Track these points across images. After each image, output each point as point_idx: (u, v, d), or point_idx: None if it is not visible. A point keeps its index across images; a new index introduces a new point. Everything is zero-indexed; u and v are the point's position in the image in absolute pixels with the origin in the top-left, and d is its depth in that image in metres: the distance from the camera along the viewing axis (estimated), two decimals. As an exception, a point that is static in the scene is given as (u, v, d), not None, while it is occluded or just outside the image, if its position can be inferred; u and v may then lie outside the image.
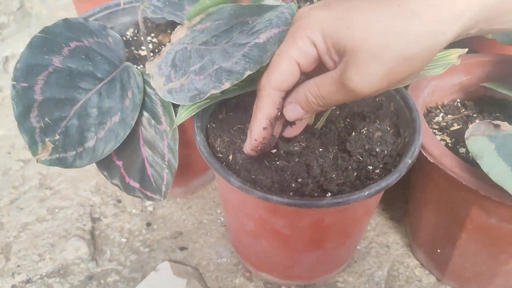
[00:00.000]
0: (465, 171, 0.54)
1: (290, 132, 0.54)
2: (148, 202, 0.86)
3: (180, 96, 0.49)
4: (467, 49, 0.57)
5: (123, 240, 0.80)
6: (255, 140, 0.48)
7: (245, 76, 0.45)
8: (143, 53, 0.78)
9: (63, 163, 0.50)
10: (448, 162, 0.55)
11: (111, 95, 0.56)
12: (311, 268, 0.66)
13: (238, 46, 0.47)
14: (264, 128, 0.47)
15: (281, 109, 0.47)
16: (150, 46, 0.79)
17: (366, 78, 0.38)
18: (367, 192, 0.50)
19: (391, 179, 0.51)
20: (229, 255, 0.76)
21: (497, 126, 0.56)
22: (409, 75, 0.39)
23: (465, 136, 0.54)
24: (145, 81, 0.61)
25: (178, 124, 0.55)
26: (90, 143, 0.53)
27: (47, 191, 0.89)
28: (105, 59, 0.57)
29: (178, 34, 0.58)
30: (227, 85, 0.45)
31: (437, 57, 0.56)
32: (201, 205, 0.85)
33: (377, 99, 0.66)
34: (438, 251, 0.69)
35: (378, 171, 0.55)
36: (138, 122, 0.60)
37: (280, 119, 0.51)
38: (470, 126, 0.55)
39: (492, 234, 0.59)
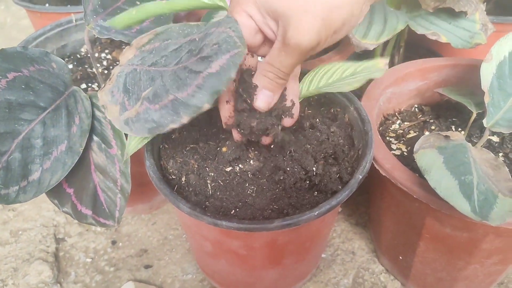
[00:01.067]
0: (416, 185, 0.54)
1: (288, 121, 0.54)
2: (113, 219, 0.85)
3: (137, 128, 0.48)
4: (388, 58, 0.60)
5: (88, 260, 0.79)
6: (223, 115, 0.51)
7: (204, 109, 0.44)
8: (99, 69, 0.76)
9: (4, 199, 0.49)
10: (399, 175, 0.55)
11: (57, 123, 0.55)
12: (274, 283, 0.66)
13: (191, 73, 0.46)
14: (227, 102, 0.50)
15: (237, 82, 0.49)
16: (105, 63, 0.77)
17: (303, 32, 0.41)
18: (317, 212, 0.50)
19: (341, 196, 0.51)
20: (195, 271, 0.76)
21: (447, 137, 0.57)
22: (343, 25, 0.42)
23: (414, 149, 0.54)
24: (94, 105, 0.59)
25: (129, 155, 0.54)
26: (35, 176, 0.52)
27: (9, 213, 0.87)
28: (48, 87, 0.56)
29: (127, 55, 0.57)
30: (185, 119, 0.45)
31: (370, 65, 0.58)
32: (166, 221, 0.84)
33: (332, 110, 0.66)
34: (400, 258, 0.69)
35: (333, 183, 0.55)
36: (88, 148, 0.59)
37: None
38: (420, 138, 0.56)
39: (448, 243, 0.60)
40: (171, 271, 0.76)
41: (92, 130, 0.59)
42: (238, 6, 0.45)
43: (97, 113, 0.60)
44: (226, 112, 0.51)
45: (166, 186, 0.53)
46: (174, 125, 0.45)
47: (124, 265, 0.78)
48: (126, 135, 0.58)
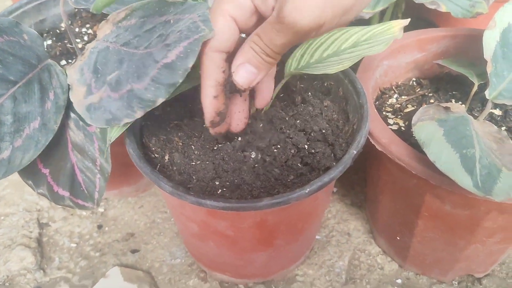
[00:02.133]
0: (415, 159, 0.51)
1: (261, 101, 0.51)
2: (99, 203, 0.82)
3: (97, 116, 0.44)
4: (409, 19, 0.52)
5: (73, 245, 0.76)
6: (209, 112, 0.45)
7: (158, 103, 0.41)
8: (79, 45, 0.72)
9: (-30, 179, 0.45)
10: (396, 150, 0.52)
11: (29, 98, 0.51)
12: (265, 265, 0.63)
13: (153, 62, 0.42)
14: (215, 97, 0.44)
15: (227, 73, 0.44)
16: (86, 38, 0.73)
17: (303, 10, 0.36)
18: (308, 190, 0.46)
19: (334, 173, 0.48)
20: (183, 255, 0.73)
21: (447, 108, 0.53)
22: (354, 4, 0.37)
23: (412, 122, 0.50)
24: (71, 79, 0.56)
25: (112, 140, 0.50)
26: (4, 154, 0.48)
27: (-9, 198, 0.84)
28: (18, 59, 0.52)
29: (104, 29, 0.53)
30: (139, 114, 0.42)
31: (378, 32, 0.52)
32: (154, 203, 0.81)
33: (326, 84, 0.62)
34: (398, 238, 0.66)
35: (327, 160, 0.52)
36: (65, 125, 0.55)
37: (241, 96, 0.49)
38: (418, 110, 0.52)
39: (448, 221, 0.57)
40: (158, 256, 0.73)
41: (69, 107, 0.55)
42: None
43: (74, 88, 0.56)
44: (212, 108, 0.45)
45: (147, 164, 0.49)
46: (128, 120, 0.42)
47: (110, 250, 0.75)
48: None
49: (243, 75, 0.43)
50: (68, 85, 0.53)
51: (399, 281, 0.70)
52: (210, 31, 0.40)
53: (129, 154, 0.51)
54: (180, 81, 0.39)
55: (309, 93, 0.60)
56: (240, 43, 0.44)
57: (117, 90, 0.42)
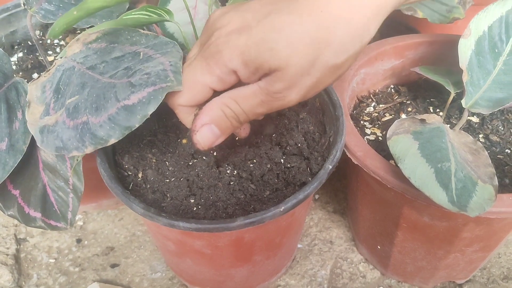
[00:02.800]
0: (390, 173, 0.50)
1: (243, 132, 0.50)
2: (78, 216, 0.80)
3: (48, 141, 0.42)
4: None
5: (52, 261, 0.75)
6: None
7: (110, 143, 0.40)
8: (50, 58, 0.70)
9: None
10: (371, 163, 0.51)
11: (-5, 119, 0.50)
12: (245, 280, 0.63)
13: (114, 96, 0.41)
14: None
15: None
16: (58, 50, 0.72)
17: (295, 90, 0.37)
18: (282, 208, 0.46)
19: (309, 189, 0.47)
20: (164, 269, 0.72)
21: (422, 120, 0.53)
22: (336, 79, 0.38)
23: (387, 136, 0.50)
24: (40, 97, 0.54)
25: (79, 159, 0.49)
26: (-30, 178, 0.47)
27: (-33, 213, 0.82)
28: (-17, 79, 0.50)
29: (73, 48, 0.52)
30: (89, 150, 0.40)
31: None
32: (134, 216, 0.79)
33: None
34: (378, 247, 0.66)
35: (302, 175, 0.51)
36: (35, 144, 0.53)
37: None
38: (393, 123, 0.51)
39: (427, 232, 0.56)
40: (139, 270, 0.72)
41: (39, 125, 0.54)
42: (219, 59, 0.37)
43: (44, 106, 0.54)
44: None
45: (117, 184, 0.48)
46: (77, 153, 0.41)
47: (90, 265, 0.73)
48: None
49: (206, 135, 0.41)
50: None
51: (381, 289, 0.70)
52: (178, 84, 0.39)
53: (100, 174, 0.50)
54: (137, 125, 0.38)
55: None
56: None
57: (73, 118, 0.41)
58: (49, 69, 0.50)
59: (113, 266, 0.73)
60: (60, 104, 0.43)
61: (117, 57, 0.44)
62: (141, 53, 0.44)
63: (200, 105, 0.42)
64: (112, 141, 0.39)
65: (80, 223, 0.79)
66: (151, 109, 0.38)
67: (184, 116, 0.43)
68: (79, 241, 0.77)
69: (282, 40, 0.35)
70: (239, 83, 0.39)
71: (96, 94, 0.41)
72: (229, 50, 0.36)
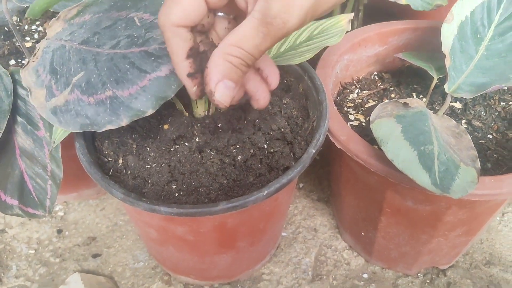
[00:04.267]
0: (373, 157, 0.50)
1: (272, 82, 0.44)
2: (58, 207, 0.79)
3: (67, 120, 0.42)
4: (353, 14, 0.56)
5: (31, 251, 0.73)
6: (191, 88, 0.39)
7: (147, 114, 0.41)
8: (28, 44, 0.69)
9: None
10: (354, 147, 0.51)
11: (-31, 103, 0.48)
12: (229, 267, 0.62)
13: (133, 68, 0.41)
14: (190, 71, 0.38)
15: (197, 42, 0.39)
16: (36, 36, 0.70)
17: (295, 12, 0.32)
18: (266, 192, 0.45)
19: (293, 173, 0.47)
20: (147, 258, 0.71)
21: (405, 104, 0.52)
22: (334, 5, 0.35)
23: (370, 119, 0.49)
24: (17, 82, 0.53)
25: (58, 142, 0.48)
26: None
27: None
28: (-44, 63, 0.49)
29: (55, 27, 0.51)
30: (125, 122, 0.41)
31: (328, 25, 0.52)
32: (116, 205, 0.78)
33: (286, 80, 0.61)
34: (362, 233, 0.66)
35: (285, 159, 0.51)
36: (11, 130, 0.52)
37: None
38: (377, 107, 0.51)
39: (410, 216, 0.56)
40: (121, 259, 0.71)
41: (15, 110, 0.53)
42: None
43: (21, 91, 0.53)
44: (192, 83, 0.39)
45: (97, 170, 0.47)
46: (112, 127, 0.41)
47: (71, 255, 0.72)
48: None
49: (224, 93, 0.37)
50: (15, 86, 0.50)
51: (365, 275, 0.70)
52: None
53: (79, 159, 0.49)
54: (172, 95, 0.40)
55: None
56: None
57: (91, 94, 0.41)
58: (35, 53, 0.49)
59: (95, 256, 0.72)
60: (63, 83, 0.43)
61: (108, 26, 0.44)
62: (135, 18, 0.43)
63: (194, 29, 0.38)
64: (150, 112, 0.40)
65: (60, 213, 0.78)
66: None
67: (176, 41, 0.37)
68: (59, 231, 0.76)
69: None
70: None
71: (106, 67, 0.41)
72: None
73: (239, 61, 0.36)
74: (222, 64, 0.36)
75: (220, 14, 0.41)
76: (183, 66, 0.38)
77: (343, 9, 0.76)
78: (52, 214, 0.77)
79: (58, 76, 0.45)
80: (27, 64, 0.49)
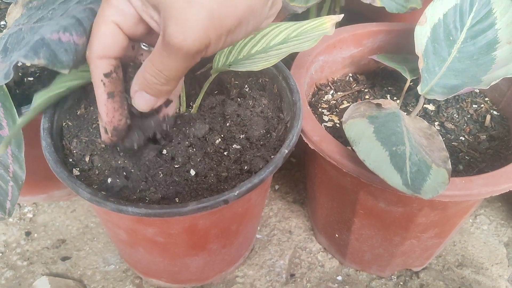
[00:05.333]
0: (346, 157, 0.50)
1: (169, 110, 0.47)
2: (27, 208, 0.77)
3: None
4: (342, 15, 0.51)
5: (-2, 255, 0.71)
6: (107, 120, 0.41)
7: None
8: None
9: None
10: (327, 148, 0.51)
11: None
12: (201, 270, 0.61)
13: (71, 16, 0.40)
14: (110, 95, 0.41)
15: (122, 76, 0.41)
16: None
17: (187, 28, 0.33)
18: (237, 192, 0.44)
19: (265, 173, 0.46)
20: (118, 261, 0.69)
21: (378, 105, 0.52)
22: (239, 23, 0.35)
23: (343, 119, 0.49)
24: (-20, 78, 0.51)
25: (22, 126, 0.46)
26: None
27: None
28: None
29: (13, 14, 0.50)
30: (42, 62, 0.38)
31: (309, 28, 0.51)
32: (87, 207, 0.76)
33: (260, 81, 0.60)
34: (336, 235, 0.66)
35: (259, 160, 0.50)
36: (-26, 129, 0.50)
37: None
38: (349, 107, 0.51)
39: (383, 218, 0.56)
40: (91, 262, 0.69)
41: (-23, 108, 0.51)
42: None
43: (-16, 87, 0.51)
44: (105, 109, 0.41)
45: (64, 169, 0.46)
46: (24, 60, 0.38)
47: (39, 258, 0.70)
48: (19, 113, 0.50)
49: (140, 101, 0.40)
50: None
51: (339, 278, 0.70)
52: None
53: (45, 158, 0.47)
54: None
55: (243, 91, 0.58)
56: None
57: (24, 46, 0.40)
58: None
59: (64, 259, 0.70)
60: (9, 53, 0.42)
61: (63, 2, 0.43)
62: None
63: (118, 60, 0.40)
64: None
65: (29, 215, 0.76)
66: None
67: (96, 72, 0.39)
68: (28, 234, 0.73)
69: None
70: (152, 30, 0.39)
71: (50, 26, 0.40)
72: None
73: (152, 78, 0.38)
74: (140, 77, 0.39)
75: (144, 47, 0.43)
76: (103, 100, 0.40)
77: (319, 10, 0.76)
78: (17, 216, 0.75)
79: (8, 52, 0.44)
80: None
